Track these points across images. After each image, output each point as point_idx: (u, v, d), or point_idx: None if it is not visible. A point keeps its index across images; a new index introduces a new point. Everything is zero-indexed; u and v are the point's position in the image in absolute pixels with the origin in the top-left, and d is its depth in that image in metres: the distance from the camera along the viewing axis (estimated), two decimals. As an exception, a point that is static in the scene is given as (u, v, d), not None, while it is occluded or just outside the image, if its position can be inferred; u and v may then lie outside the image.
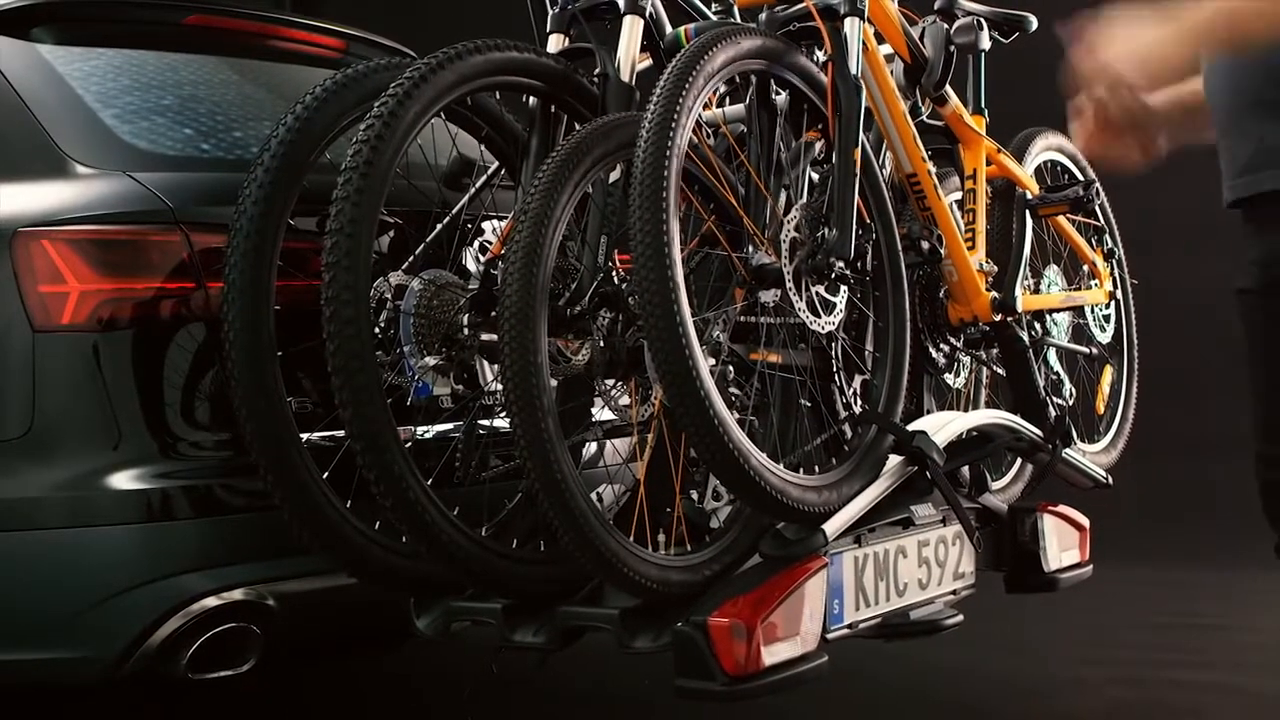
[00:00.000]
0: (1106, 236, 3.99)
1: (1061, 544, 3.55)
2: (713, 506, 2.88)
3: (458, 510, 2.60)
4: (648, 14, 2.95)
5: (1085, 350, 3.88)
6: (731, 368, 2.69)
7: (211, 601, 2.70)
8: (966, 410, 3.61)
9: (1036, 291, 3.72)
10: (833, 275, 2.77)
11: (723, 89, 3.02)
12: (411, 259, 2.81)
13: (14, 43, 3.01)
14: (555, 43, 2.97)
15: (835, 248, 2.75)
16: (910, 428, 2.99)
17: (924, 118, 3.48)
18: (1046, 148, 3.86)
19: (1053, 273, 3.82)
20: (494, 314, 2.57)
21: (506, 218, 2.87)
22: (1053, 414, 3.48)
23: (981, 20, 3.52)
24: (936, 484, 2.97)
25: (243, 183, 2.62)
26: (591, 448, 3.17)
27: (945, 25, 3.45)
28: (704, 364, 2.46)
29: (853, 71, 2.87)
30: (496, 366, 2.69)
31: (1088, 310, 3.90)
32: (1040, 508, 3.50)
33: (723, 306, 2.76)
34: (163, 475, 2.72)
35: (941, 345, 3.46)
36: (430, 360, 2.72)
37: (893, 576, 2.98)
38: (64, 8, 3.21)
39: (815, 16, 2.90)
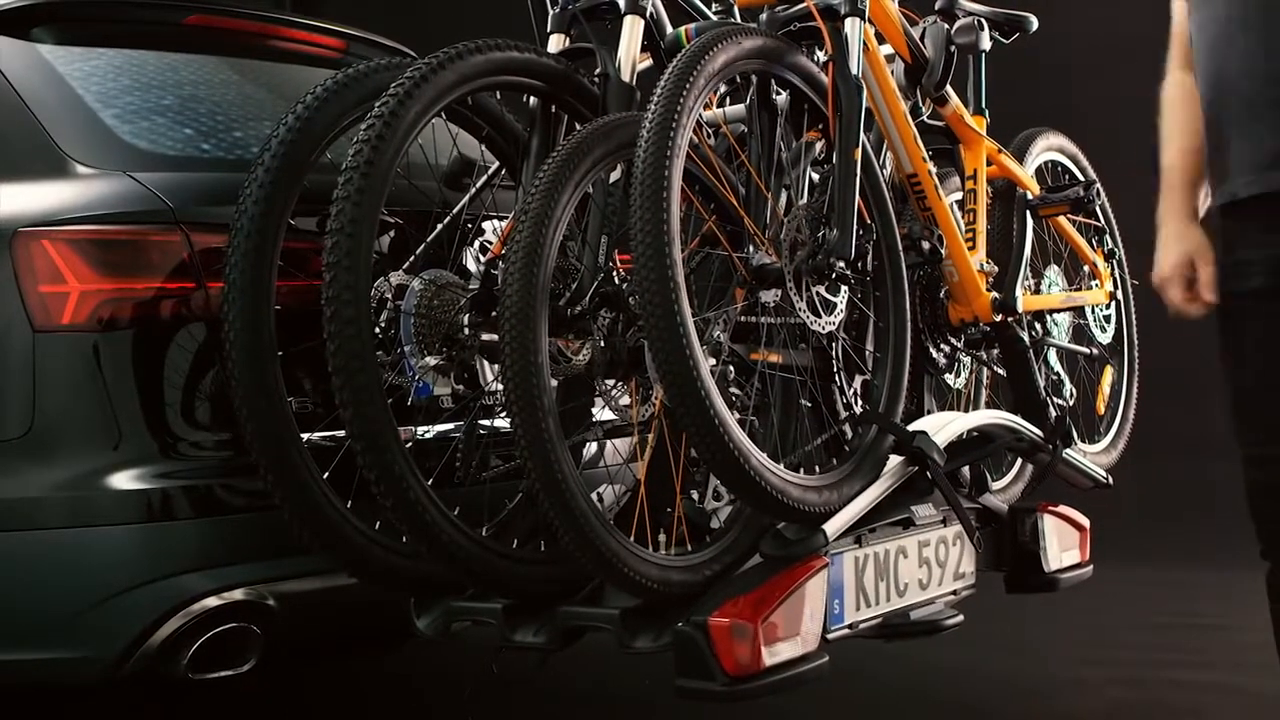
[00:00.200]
0: (1107, 237, 3.99)
1: (1062, 544, 3.55)
2: (713, 506, 2.88)
3: (458, 510, 2.60)
4: (648, 14, 2.95)
5: (1085, 350, 3.89)
6: (732, 368, 2.69)
7: (211, 601, 2.70)
8: (967, 410, 3.61)
9: (1037, 292, 3.73)
10: (833, 275, 2.77)
11: (723, 89, 3.02)
12: (412, 259, 2.81)
13: (14, 43, 3.01)
14: (556, 43, 2.97)
15: (836, 248, 2.75)
16: (911, 428, 2.99)
17: (924, 118, 3.49)
18: (1047, 148, 3.86)
19: (1053, 273, 3.83)
20: (494, 314, 2.57)
21: (507, 218, 2.87)
22: (1053, 414, 3.48)
23: (982, 20, 3.53)
24: (937, 484, 2.97)
25: (243, 183, 2.62)
26: (592, 448, 3.17)
27: (946, 25, 3.46)
28: (704, 364, 2.46)
29: (853, 71, 2.87)
30: (497, 366, 2.69)
31: (1088, 310, 3.90)
32: (1040, 508, 3.50)
33: (723, 306, 2.76)
34: (163, 475, 2.71)
35: (942, 345, 3.46)
36: (430, 360, 2.72)
37: (893, 576, 2.98)
38: (64, 8, 3.21)
39: (816, 16, 2.90)
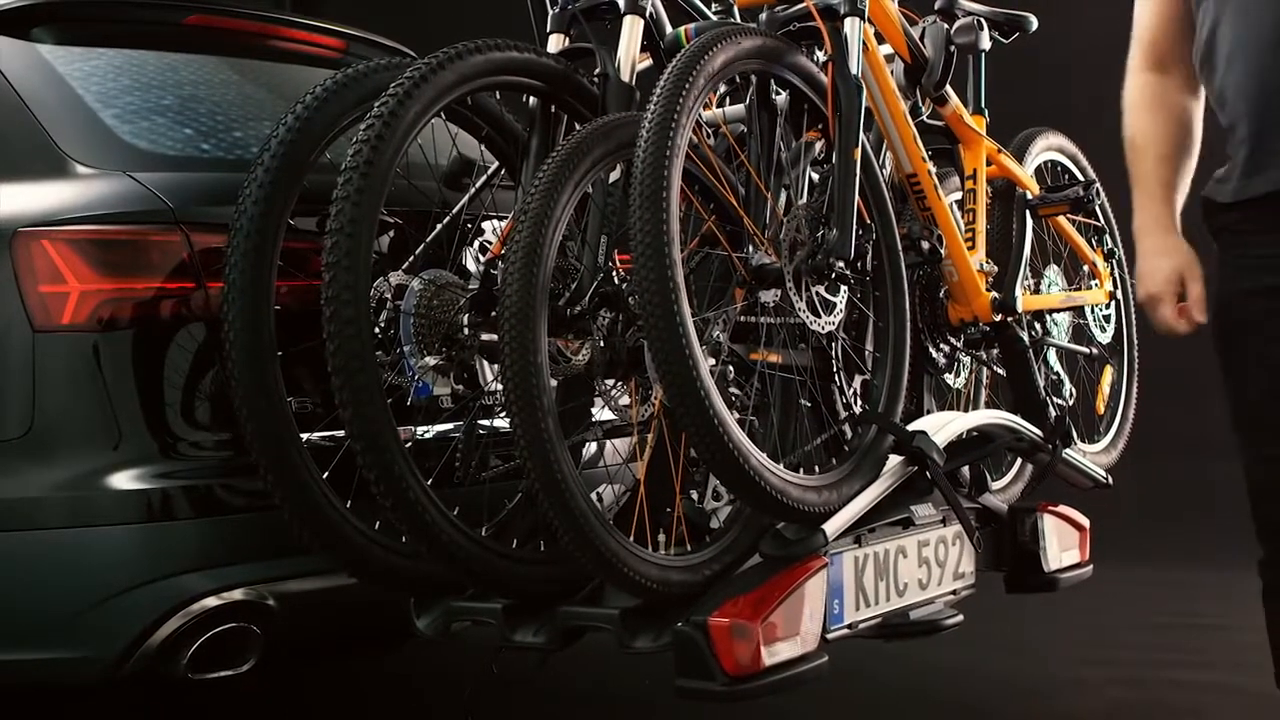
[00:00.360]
0: (1106, 237, 3.99)
1: (1061, 544, 3.55)
2: (713, 506, 2.88)
3: (458, 510, 2.60)
4: (648, 14, 2.95)
5: (1085, 350, 3.89)
6: (731, 368, 2.69)
7: (211, 601, 2.70)
8: (966, 410, 3.61)
9: (1037, 292, 3.73)
10: (833, 275, 2.77)
11: (723, 89, 3.02)
12: (411, 259, 2.81)
13: (14, 43, 3.01)
14: (555, 43, 2.97)
15: (835, 248, 2.75)
16: (910, 428, 2.99)
17: (924, 118, 3.49)
18: (1047, 148, 3.86)
19: (1053, 273, 3.83)
20: (494, 314, 2.57)
21: (506, 218, 2.87)
22: (1053, 414, 3.48)
23: (981, 20, 3.53)
24: (936, 484, 2.97)
25: (243, 183, 2.62)
26: (591, 448, 3.17)
27: (945, 25, 3.46)
28: (704, 364, 2.46)
29: (853, 71, 2.87)
30: (496, 366, 2.69)
31: (1088, 310, 3.90)
32: (1040, 508, 3.50)
33: (723, 306, 2.76)
34: (163, 475, 2.71)
35: (942, 345, 3.46)
36: (430, 360, 2.72)
37: (893, 576, 2.98)
38: (64, 8, 3.21)
39: (815, 16, 2.90)
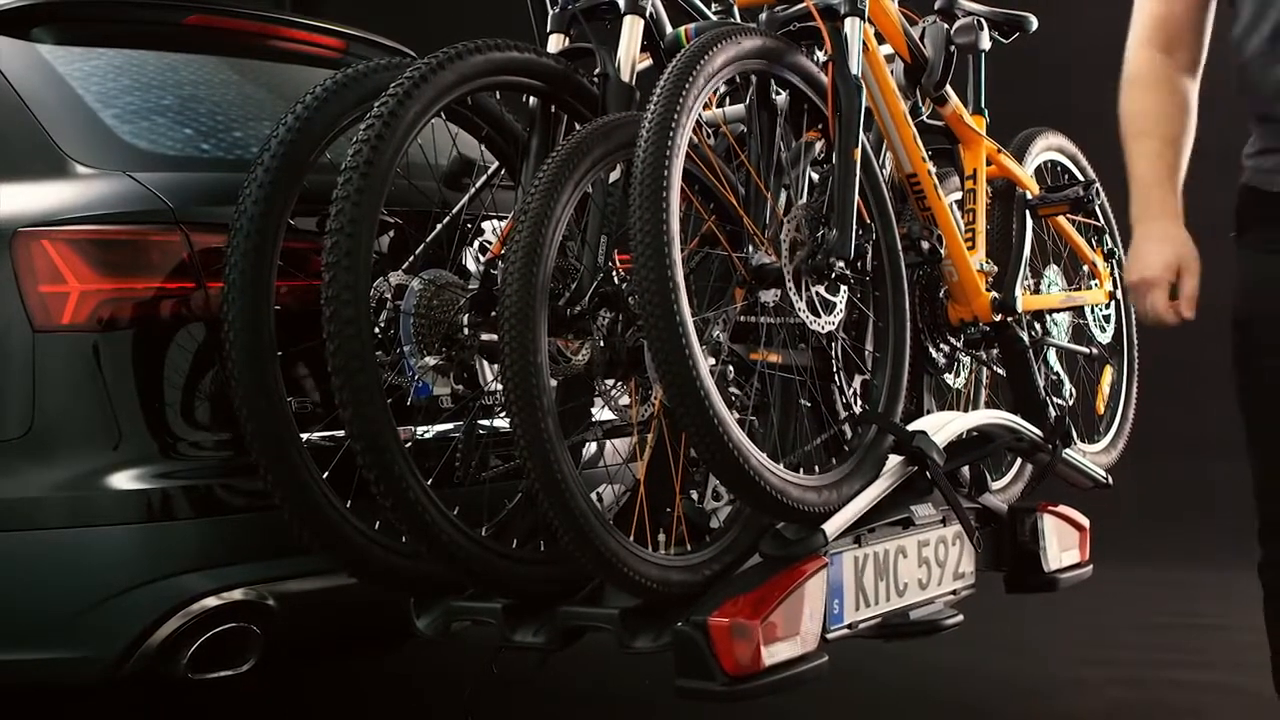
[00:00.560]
0: (1106, 237, 3.99)
1: (1061, 544, 3.55)
2: (713, 506, 2.88)
3: (458, 510, 2.60)
4: (648, 14, 2.95)
5: (1085, 350, 3.89)
6: (731, 368, 2.69)
7: (211, 601, 2.70)
8: (966, 410, 3.61)
9: (1036, 292, 3.73)
10: (833, 275, 2.77)
11: (723, 89, 3.02)
12: (411, 259, 2.81)
13: (14, 43, 3.01)
14: (555, 43, 2.97)
15: (835, 248, 2.75)
16: (910, 428, 2.99)
17: (924, 118, 3.49)
18: (1047, 148, 3.86)
19: (1053, 273, 3.83)
20: (494, 314, 2.57)
21: (506, 218, 2.87)
22: (1053, 414, 3.48)
23: (981, 20, 3.53)
24: (936, 484, 2.97)
25: (243, 183, 2.62)
26: (591, 448, 3.17)
27: (945, 25, 3.46)
28: (704, 364, 2.46)
29: (853, 71, 2.87)
30: (496, 366, 2.69)
31: (1088, 310, 3.90)
32: (1040, 508, 3.50)
33: (723, 306, 2.76)
34: (163, 475, 2.71)
35: (941, 345, 3.46)
36: (430, 360, 2.72)
37: (893, 576, 2.98)
38: (64, 8, 3.21)
39: (815, 16, 2.90)
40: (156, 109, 3.06)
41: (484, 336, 2.70)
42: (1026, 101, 4.73)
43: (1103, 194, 3.87)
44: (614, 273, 2.70)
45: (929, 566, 3.10)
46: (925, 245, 3.33)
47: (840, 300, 2.85)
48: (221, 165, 3.00)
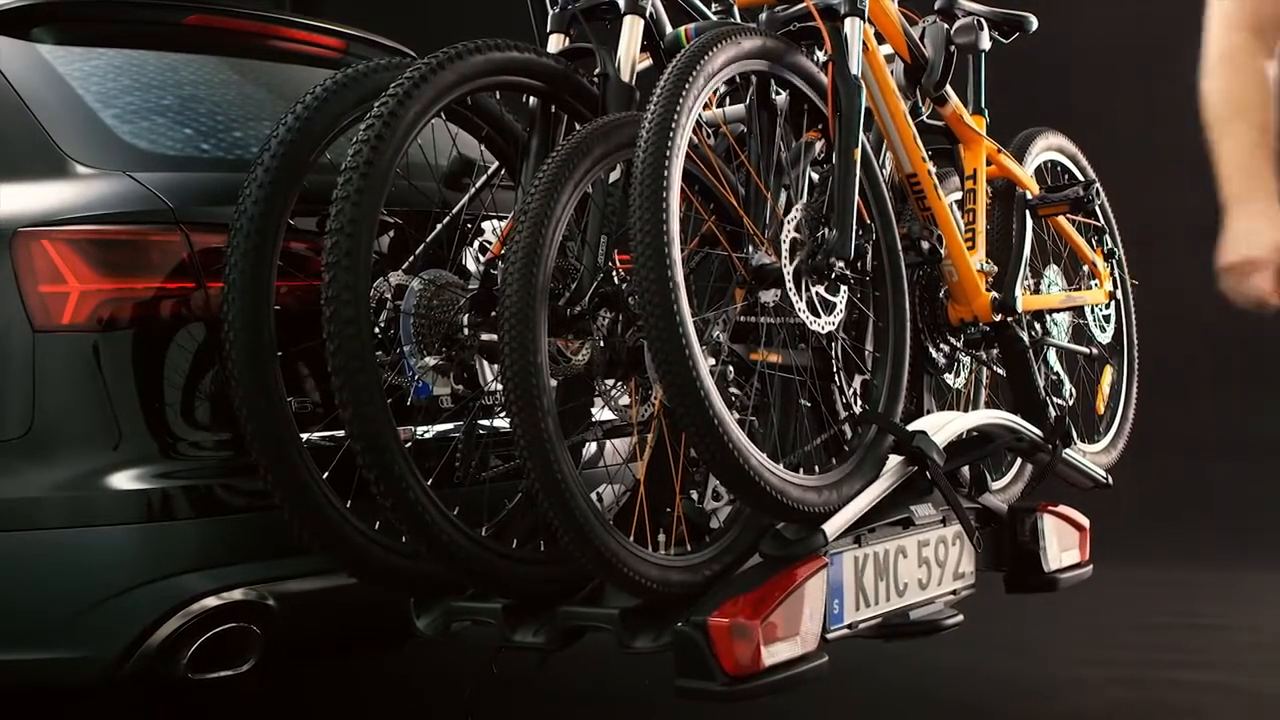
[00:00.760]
0: (1106, 237, 3.99)
1: (1061, 544, 3.55)
2: (713, 506, 2.89)
3: (458, 510, 2.60)
4: (648, 14, 2.95)
5: (1085, 350, 3.89)
6: (731, 368, 2.69)
7: (211, 601, 2.70)
8: (966, 410, 3.61)
9: (1036, 292, 3.73)
10: (833, 275, 2.77)
11: (723, 89, 3.02)
12: (411, 259, 2.81)
13: (14, 43, 3.01)
14: (555, 43, 2.97)
15: (835, 248, 2.75)
16: (910, 428, 2.99)
17: (924, 118, 3.49)
18: (1047, 148, 3.86)
19: (1053, 273, 3.83)
20: (494, 314, 2.57)
21: (506, 218, 2.87)
22: (1053, 414, 3.48)
23: (981, 20, 3.53)
24: (936, 484, 2.97)
25: (243, 183, 2.62)
26: (591, 448, 3.17)
27: (945, 25, 3.46)
28: (704, 364, 2.46)
29: (853, 71, 2.87)
30: (496, 366, 2.69)
31: (1088, 310, 3.90)
32: (1040, 508, 3.50)
33: (723, 306, 2.76)
34: (163, 475, 2.71)
35: (941, 345, 3.46)
36: (430, 360, 2.72)
37: (893, 576, 2.98)
38: (64, 8, 3.21)
39: (815, 16, 2.90)
40: (156, 109, 3.06)
41: (484, 336, 2.70)
42: (1026, 101, 4.73)
43: (1103, 194, 3.87)
44: (614, 273, 2.70)
45: (929, 566, 3.10)
46: (925, 245, 3.33)
47: (840, 300, 2.85)
48: (221, 165, 3.00)
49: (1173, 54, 6.82)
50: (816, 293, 2.79)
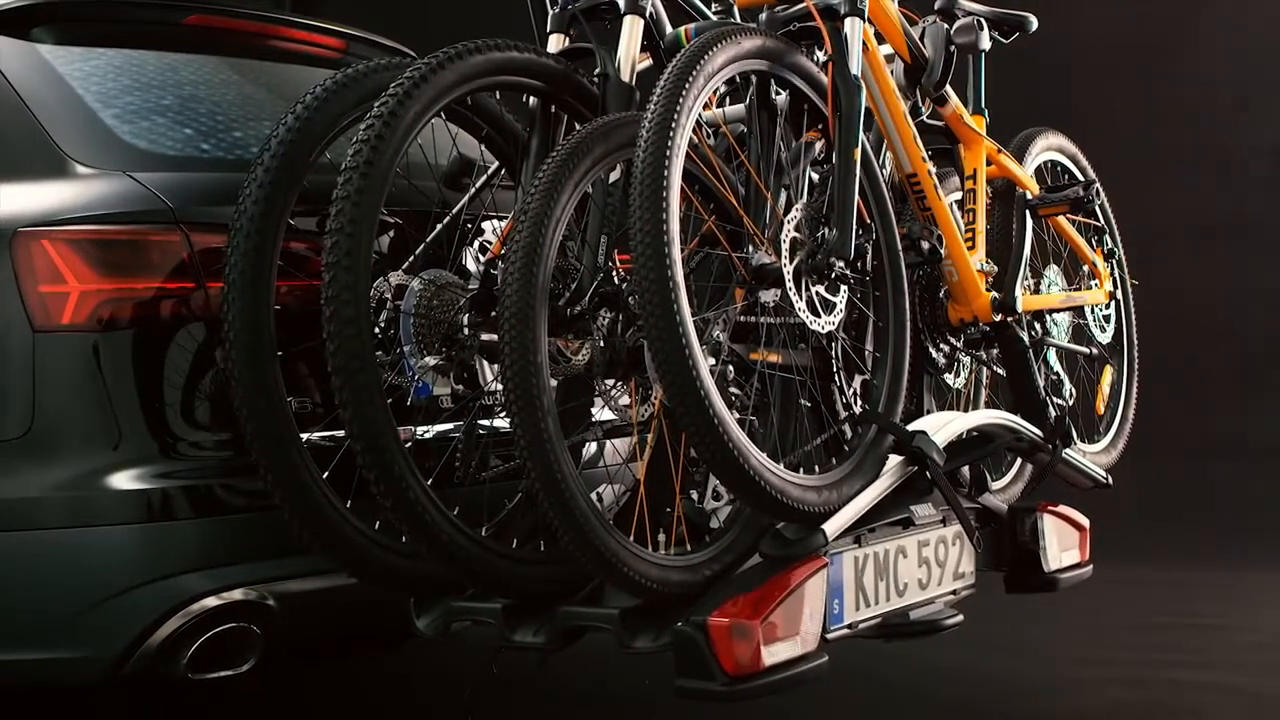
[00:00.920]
0: (1106, 237, 3.99)
1: (1061, 544, 3.55)
2: (713, 506, 2.89)
3: (458, 510, 2.60)
4: (648, 14, 2.95)
5: (1085, 350, 3.89)
6: (731, 368, 2.69)
7: (211, 601, 2.70)
8: (966, 410, 3.61)
9: (1036, 292, 3.73)
10: (833, 275, 2.77)
11: (723, 89, 3.02)
12: (411, 259, 2.81)
13: (14, 43, 3.01)
14: (555, 43, 2.97)
15: (835, 248, 2.76)
16: (910, 428, 2.99)
17: (924, 118, 3.49)
18: (1047, 148, 3.87)
19: (1053, 273, 3.83)
20: (494, 314, 2.57)
21: (506, 218, 2.87)
22: (1053, 414, 3.48)
23: (981, 20, 3.53)
24: (936, 484, 2.97)
25: (243, 183, 2.62)
26: (591, 448, 3.17)
27: (945, 25, 3.46)
28: (704, 364, 2.46)
29: (853, 71, 2.87)
30: (496, 366, 2.69)
31: (1088, 310, 3.90)
32: (1040, 508, 3.50)
33: (723, 306, 2.76)
34: (163, 475, 2.72)
35: (941, 345, 3.46)
36: (430, 360, 2.72)
37: (893, 576, 2.98)
38: (64, 8, 3.21)
39: (815, 16, 2.90)
40: (156, 109, 3.06)
41: (484, 336, 2.70)
42: (1026, 101, 4.73)
43: (1103, 194, 3.87)
44: (614, 273, 2.70)
45: (929, 566, 3.10)
46: (925, 245, 3.33)
47: (840, 300, 2.85)
48: (221, 165, 3.00)
49: (1173, 54, 6.87)
50: (816, 292, 2.79)
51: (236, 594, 2.73)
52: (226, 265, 2.57)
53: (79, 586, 2.69)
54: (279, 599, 2.77)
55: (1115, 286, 3.98)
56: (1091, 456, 3.73)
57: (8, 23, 3.04)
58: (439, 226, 2.88)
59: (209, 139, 3.05)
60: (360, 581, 2.69)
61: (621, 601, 2.66)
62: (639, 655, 2.66)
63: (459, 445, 2.84)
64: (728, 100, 3.17)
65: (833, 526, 2.74)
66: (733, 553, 2.77)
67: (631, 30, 2.93)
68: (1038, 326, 3.65)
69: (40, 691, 3.04)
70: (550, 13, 3.01)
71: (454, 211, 2.91)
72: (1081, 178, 3.94)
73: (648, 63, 3.03)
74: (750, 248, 2.76)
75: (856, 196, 2.82)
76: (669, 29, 3.01)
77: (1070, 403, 3.76)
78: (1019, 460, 3.70)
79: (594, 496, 2.60)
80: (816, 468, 2.88)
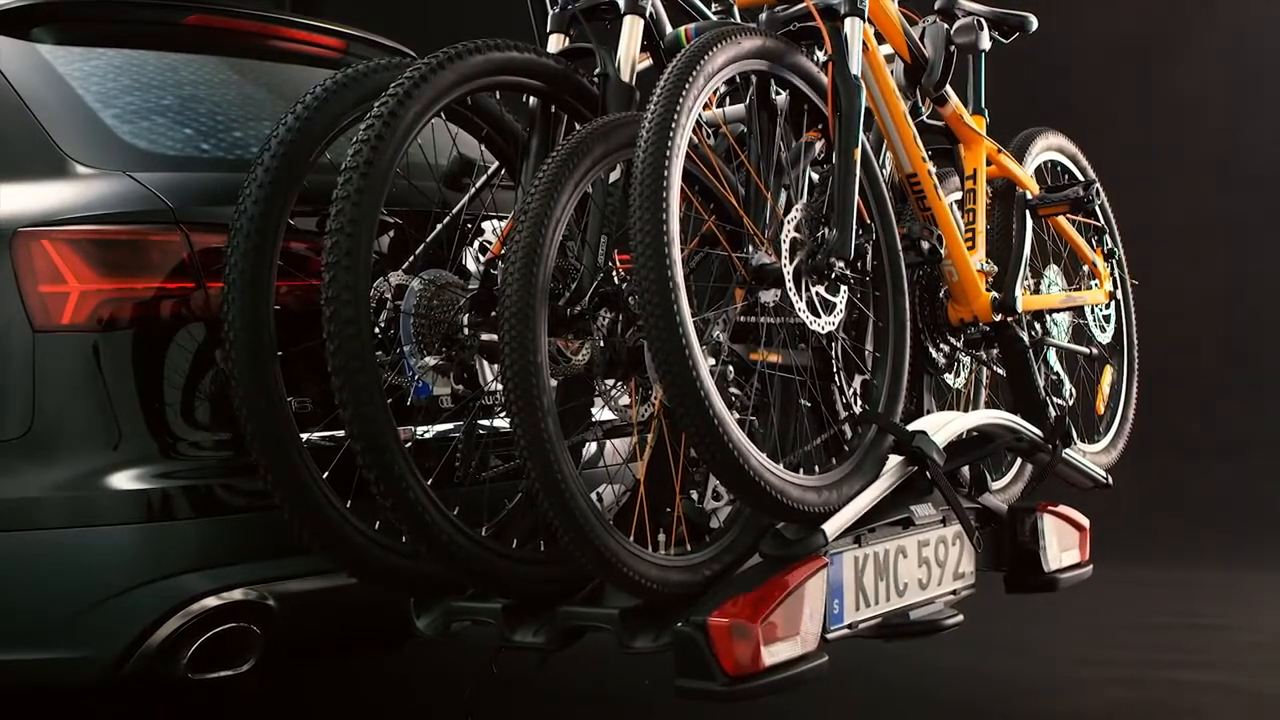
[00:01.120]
0: (1106, 237, 3.99)
1: (1061, 544, 3.55)
2: (713, 506, 2.89)
3: (458, 510, 2.60)
4: (648, 14, 2.95)
5: (1085, 350, 3.89)
6: (731, 368, 2.69)
7: (211, 601, 2.70)
8: (966, 410, 3.61)
9: (1036, 292, 3.73)
10: (833, 275, 2.77)
11: (723, 89, 3.02)
12: (411, 259, 2.81)
13: (14, 43, 3.01)
14: (555, 43, 2.97)
15: (835, 248, 2.76)
16: (910, 428, 2.99)
17: (924, 118, 3.49)
18: (1046, 148, 3.87)
19: (1053, 273, 3.83)
20: (494, 314, 2.57)
21: (506, 218, 2.87)
22: (1053, 414, 3.48)
23: (982, 20, 3.53)
24: (936, 484, 2.97)
25: (243, 183, 2.62)
26: (591, 448, 3.17)
27: (945, 25, 3.46)
28: (704, 364, 2.46)
29: (853, 71, 2.87)
30: (496, 366, 2.69)
31: (1088, 310, 3.90)
32: (1040, 508, 3.50)
33: (723, 306, 2.76)
34: (163, 475, 2.72)
35: (941, 345, 3.46)
36: (430, 360, 2.72)
37: (893, 576, 2.98)
38: (64, 8, 3.21)
39: (815, 16, 2.90)
40: (156, 109, 3.06)
41: (484, 336, 2.70)
42: (1026, 101, 4.73)
43: (1103, 194, 3.87)
44: (614, 273, 2.70)
45: (929, 566, 3.10)
46: (925, 245, 3.33)
47: (840, 300, 2.86)
48: (221, 165, 3.00)
49: (1173, 54, 6.86)
50: (816, 293, 2.79)
51: (236, 594, 2.73)
52: (226, 265, 2.58)
53: (79, 586, 2.69)
54: (279, 599, 2.77)
55: (1115, 286, 3.98)
56: (1091, 456, 3.73)
57: (8, 23, 3.04)
58: (439, 226, 2.88)
59: (209, 139, 3.05)
60: (360, 581, 2.69)
61: (621, 601, 2.66)
62: (639, 655, 2.66)
63: (459, 445, 2.84)
64: (728, 100, 3.17)
65: (833, 527, 2.74)
66: (733, 553, 2.77)
67: (631, 30, 2.93)
68: (1038, 326, 3.65)
69: (40, 691, 3.04)
70: (550, 13, 3.01)
71: (454, 211, 2.91)
72: (1081, 178, 3.94)
73: (648, 63, 3.03)
74: (750, 248, 2.76)
75: (856, 196, 2.82)
76: (669, 29, 3.01)
77: (1070, 403, 3.76)
78: (1019, 460, 3.70)
79: (594, 496, 2.60)
80: (816, 468, 2.88)
